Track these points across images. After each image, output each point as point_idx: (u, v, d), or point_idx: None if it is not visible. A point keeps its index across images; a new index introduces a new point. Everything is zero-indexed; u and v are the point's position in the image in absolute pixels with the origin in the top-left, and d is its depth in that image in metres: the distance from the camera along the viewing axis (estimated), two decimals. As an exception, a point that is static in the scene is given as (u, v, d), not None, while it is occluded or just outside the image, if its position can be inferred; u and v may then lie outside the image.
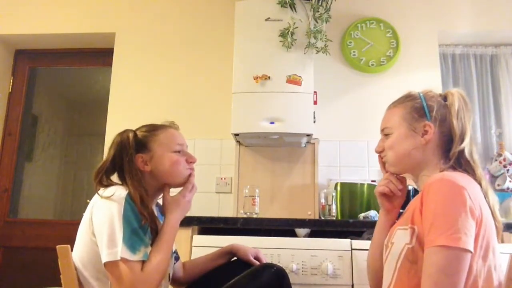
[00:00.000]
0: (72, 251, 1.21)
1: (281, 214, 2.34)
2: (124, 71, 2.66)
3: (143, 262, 1.12)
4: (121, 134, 1.30)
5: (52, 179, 3.08)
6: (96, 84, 3.19)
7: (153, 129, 1.35)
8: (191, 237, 1.78)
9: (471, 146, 1.05)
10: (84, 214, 1.24)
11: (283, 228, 1.83)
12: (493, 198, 1.02)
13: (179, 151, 1.33)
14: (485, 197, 0.99)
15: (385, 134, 1.15)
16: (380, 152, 1.16)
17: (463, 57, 2.72)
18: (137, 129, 1.36)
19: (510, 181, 2.33)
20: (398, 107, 1.14)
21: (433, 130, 1.06)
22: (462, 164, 1.04)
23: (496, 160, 2.44)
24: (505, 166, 2.39)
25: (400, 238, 0.98)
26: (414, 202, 1.01)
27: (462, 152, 1.04)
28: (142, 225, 1.16)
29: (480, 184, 1.01)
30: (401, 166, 1.12)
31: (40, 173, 3.00)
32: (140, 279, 1.10)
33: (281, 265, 1.64)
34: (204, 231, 1.84)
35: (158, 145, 1.30)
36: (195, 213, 2.40)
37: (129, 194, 1.18)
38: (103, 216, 1.15)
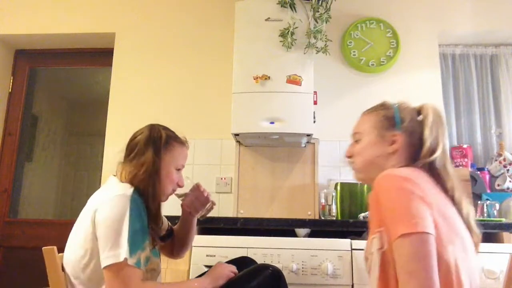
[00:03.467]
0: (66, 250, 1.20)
1: (281, 214, 2.34)
2: (124, 71, 2.66)
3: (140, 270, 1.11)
4: (151, 128, 1.31)
5: (52, 179, 3.08)
6: (96, 84, 3.19)
7: (174, 138, 1.35)
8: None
9: (444, 159, 1.06)
10: (82, 212, 1.22)
11: (283, 228, 1.83)
12: (468, 209, 1.02)
13: (178, 169, 1.35)
14: (460, 210, 1.00)
15: (355, 139, 1.17)
16: (349, 157, 1.18)
17: (463, 57, 2.72)
18: (163, 127, 1.36)
19: (510, 181, 2.33)
20: (371, 114, 1.16)
21: (401, 140, 1.08)
22: (432, 174, 1.05)
23: (496, 160, 2.44)
24: (505, 166, 2.39)
25: (374, 247, 0.99)
26: (371, 206, 1.02)
27: (432, 163, 1.05)
28: (145, 225, 1.15)
29: (452, 196, 1.02)
30: (365, 173, 1.14)
31: (40, 173, 3.00)
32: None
33: (281, 265, 1.65)
34: (204, 231, 1.84)
35: (170, 156, 1.31)
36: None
37: (135, 192, 1.17)
38: (110, 214, 1.12)
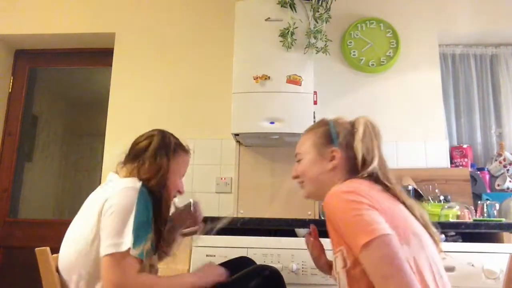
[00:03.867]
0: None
1: (281, 214, 2.34)
2: (124, 71, 2.66)
3: (141, 262, 1.12)
4: (162, 133, 1.35)
5: (52, 179, 3.08)
6: (96, 84, 3.19)
7: (181, 146, 1.39)
8: (191, 237, 1.78)
9: (383, 169, 1.09)
10: (84, 208, 1.22)
11: (283, 228, 1.83)
12: (420, 211, 1.04)
13: (180, 177, 1.38)
14: (413, 213, 1.02)
15: (297, 160, 1.21)
16: (295, 178, 1.21)
17: (463, 57, 2.72)
18: (172, 135, 1.40)
19: (510, 181, 2.33)
20: (310, 133, 1.20)
21: (340, 155, 1.11)
22: (379, 184, 1.07)
23: (496, 160, 2.44)
24: (505, 166, 2.39)
25: (338, 266, 0.99)
26: (328, 226, 1.03)
27: (374, 174, 1.07)
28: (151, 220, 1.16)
29: (404, 202, 1.03)
30: (312, 191, 1.18)
31: (40, 173, 3.00)
32: (132, 283, 1.08)
33: (281, 265, 1.65)
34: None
35: (176, 162, 1.34)
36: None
37: (143, 186, 1.19)
38: (118, 205, 1.13)
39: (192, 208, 1.43)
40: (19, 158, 2.83)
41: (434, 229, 1.03)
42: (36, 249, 1.16)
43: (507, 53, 2.68)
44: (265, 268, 1.38)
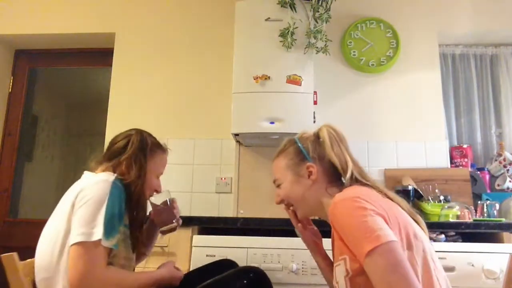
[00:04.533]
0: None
1: (281, 214, 2.33)
2: (124, 71, 2.66)
3: (111, 251, 1.12)
4: (140, 133, 1.35)
5: (52, 179, 3.08)
6: (96, 84, 3.19)
7: (158, 145, 1.39)
8: (191, 237, 1.78)
9: (357, 169, 1.10)
10: (57, 208, 1.23)
11: (283, 228, 1.83)
12: (404, 202, 1.05)
13: (157, 176, 1.39)
14: (388, 197, 1.03)
15: (277, 185, 1.21)
16: (280, 202, 1.21)
17: (463, 57, 2.72)
18: (148, 134, 1.39)
19: (510, 181, 2.33)
20: (280, 157, 1.21)
21: (316, 169, 1.12)
22: (358, 182, 1.08)
23: (496, 160, 2.44)
24: (505, 166, 2.39)
25: (340, 275, 0.99)
26: (333, 235, 1.04)
27: (353, 178, 1.08)
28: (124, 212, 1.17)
29: (378, 188, 1.05)
30: (305, 210, 1.19)
31: (40, 173, 3.00)
32: (99, 275, 1.07)
33: (281, 265, 1.65)
34: (204, 231, 1.84)
35: (153, 163, 1.35)
36: (195, 213, 2.41)
37: (117, 179, 1.19)
38: (89, 196, 1.13)
39: (169, 204, 1.40)
40: (19, 158, 2.83)
41: (418, 216, 1.05)
42: (1, 255, 1.13)
43: (507, 53, 2.68)
44: (249, 269, 1.38)
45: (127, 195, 1.21)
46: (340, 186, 1.09)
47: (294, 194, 1.16)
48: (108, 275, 1.10)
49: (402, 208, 1.02)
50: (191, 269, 1.69)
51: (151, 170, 1.33)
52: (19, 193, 2.83)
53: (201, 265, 1.55)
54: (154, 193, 1.38)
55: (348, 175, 1.08)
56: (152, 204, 1.40)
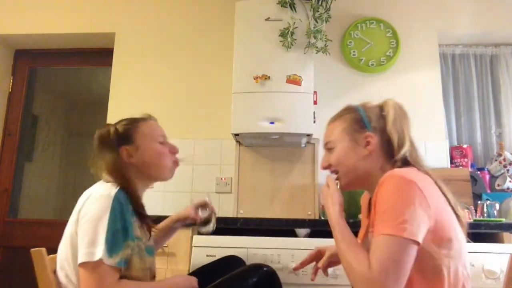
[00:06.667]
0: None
1: (281, 214, 2.34)
2: (124, 71, 2.67)
3: (120, 270, 1.09)
4: (100, 129, 1.31)
5: (52, 179, 3.08)
6: (96, 84, 3.19)
7: (133, 121, 1.33)
8: (191, 237, 1.78)
9: (412, 150, 1.08)
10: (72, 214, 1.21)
11: (283, 228, 1.83)
12: (452, 196, 1.03)
13: (162, 142, 1.33)
14: (448, 200, 1.01)
15: (328, 148, 1.16)
16: (327, 167, 1.17)
17: (463, 57, 2.72)
18: (116, 123, 1.35)
19: (510, 181, 2.33)
20: (339, 121, 1.16)
21: (375, 140, 1.09)
22: (410, 164, 1.06)
23: (496, 160, 2.44)
24: (505, 166, 2.39)
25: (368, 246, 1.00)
26: (375, 204, 1.01)
27: (405, 158, 1.06)
28: (129, 224, 1.14)
29: (439, 187, 1.02)
30: (350, 180, 1.13)
31: (40, 173, 3.00)
32: None
33: (281, 265, 1.65)
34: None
35: (142, 136, 1.29)
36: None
37: (120, 192, 1.15)
38: (91, 212, 1.11)
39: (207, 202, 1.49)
40: (19, 158, 2.83)
41: (461, 212, 1.02)
42: (31, 250, 1.15)
43: (507, 53, 2.68)
44: (261, 266, 1.38)
45: (128, 195, 1.18)
46: (393, 163, 1.06)
47: (346, 160, 1.11)
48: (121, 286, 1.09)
49: (449, 203, 1.00)
50: (191, 269, 1.70)
51: (147, 142, 1.28)
52: (19, 193, 2.83)
53: (206, 264, 1.56)
54: (172, 156, 1.34)
55: (402, 154, 1.05)
56: (203, 230, 1.49)
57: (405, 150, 1.06)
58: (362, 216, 1.27)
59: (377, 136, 1.09)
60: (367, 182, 1.10)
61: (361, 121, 1.12)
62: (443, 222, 0.94)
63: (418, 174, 0.99)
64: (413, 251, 0.88)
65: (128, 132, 1.29)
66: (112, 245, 1.08)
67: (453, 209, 1.00)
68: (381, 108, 1.14)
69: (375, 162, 1.08)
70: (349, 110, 1.16)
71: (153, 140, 1.31)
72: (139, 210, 1.20)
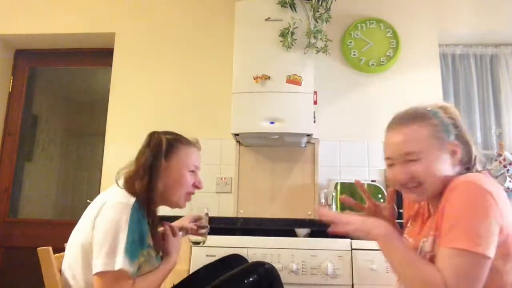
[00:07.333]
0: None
1: (281, 214, 2.34)
2: (124, 71, 2.66)
3: (134, 279, 1.10)
4: (152, 136, 1.27)
5: (52, 179, 3.08)
6: (96, 84, 3.19)
7: (179, 140, 1.32)
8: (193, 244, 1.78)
9: (479, 156, 1.04)
10: (84, 215, 1.20)
11: (283, 228, 1.83)
12: None
13: (192, 171, 1.31)
14: None
15: (411, 159, 1.00)
16: (407, 181, 1.01)
17: (463, 57, 2.72)
18: (165, 132, 1.32)
19: (510, 181, 2.33)
20: (419, 126, 1.01)
21: (460, 149, 1.00)
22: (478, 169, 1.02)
23: (496, 160, 2.44)
24: (505, 166, 2.39)
25: (425, 250, 0.98)
26: (440, 204, 0.96)
27: (474, 161, 1.02)
28: (146, 234, 1.14)
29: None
30: (433, 191, 1.00)
31: (40, 173, 3.00)
32: None
33: (281, 265, 1.65)
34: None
35: (177, 159, 1.27)
36: (195, 213, 2.41)
37: (137, 202, 1.14)
38: (110, 221, 1.10)
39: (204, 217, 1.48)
40: (19, 158, 2.83)
41: None
42: (38, 248, 1.16)
43: (507, 53, 2.68)
44: (260, 264, 1.38)
45: (144, 208, 1.17)
46: (466, 170, 1.01)
47: (437, 172, 0.98)
48: None
49: None
50: (191, 269, 1.70)
51: (178, 167, 1.26)
52: (19, 193, 2.83)
53: (208, 263, 1.57)
54: (195, 189, 1.31)
55: (474, 160, 1.01)
56: (195, 243, 1.49)
57: (476, 156, 1.02)
58: (407, 217, 1.20)
59: (460, 144, 1.01)
60: (441, 191, 0.99)
61: (445, 128, 1.01)
62: (509, 237, 0.90)
63: (492, 183, 0.94)
64: (486, 267, 0.85)
65: (167, 148, 1.27)
66: (131, 255, 1.08)
67: None
68: (448, 113, 1.05)
69: (454, 171, 1.01)
70: (424, 115, 1.04)
71: (185, 166, 1.29)
72: (152, 221, 1.20)
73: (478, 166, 1.03)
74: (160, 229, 1.38)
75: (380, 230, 0.99)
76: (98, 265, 1.07)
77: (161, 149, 1.24)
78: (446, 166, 0.99)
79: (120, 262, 1.05)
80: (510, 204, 0.93)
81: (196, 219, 1.50)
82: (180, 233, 1.43)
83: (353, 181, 2.22)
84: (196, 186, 1.32)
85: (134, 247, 1.10)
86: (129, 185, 1.20)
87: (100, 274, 1.06)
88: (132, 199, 1.14)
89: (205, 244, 1.73)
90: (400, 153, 1.01)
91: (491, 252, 0.85)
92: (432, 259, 0.93)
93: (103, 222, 1.11)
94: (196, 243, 1.49)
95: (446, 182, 0.97)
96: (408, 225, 1.17)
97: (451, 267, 0.86)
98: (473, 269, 0.85)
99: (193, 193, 1.32)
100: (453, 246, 0.86)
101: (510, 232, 0.90)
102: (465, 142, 1.02)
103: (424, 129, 1.00)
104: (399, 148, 1.02)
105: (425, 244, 0.98)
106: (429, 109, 1.05)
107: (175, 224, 1.51)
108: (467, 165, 1.02)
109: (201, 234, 1.47)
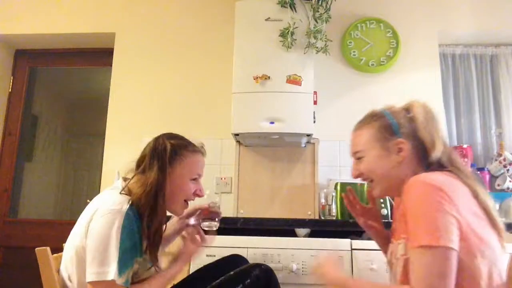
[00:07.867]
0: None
1: (281, 214, 2.34)
2: (124, 71, 2.66)
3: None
4: (157, 141, 1.25)
5: (52, 179, 3.08)
6: (96, 84, 3.19)
7: (184, 147, 1.30)
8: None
9: (447, 153, 1.05)
10: (80, 217, 1.18)
11: (283, 228, 1.83)
12: (486, 197, 0.99)
13: (194, 179, 1.29)
14: (476, 197, 0.97)
15: (358, 157, 1.13)
16: (358, 176, 1.14)
17: (463, 57, 2.72)
18: (170, 137, 1.30)
19: (510, 181, 2.33)
20: (366, 128, 1.12)
21: (407, 146, 1.05)
22: (445, 167, 1.03)
23: (496, 160, 2.44)
24: (505, 166, 2.39)
25: (399, 253, 0.99)
26: (402, 210, 0.99)
27: (439, 162, 1.04)
28: (138, 243, 1.12)
29: (476, 195, 0.98)
30: (385, 187, 1.11)
31: (40, 173, 3.00)
32: None
33: (281, 265, 1.65)
34: (204, 231, 1.84)
35: (181, 165, 1.26)
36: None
37: (131, 207, 1.12)
38: (101, 229, 1.08)
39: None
40: (19, 158, 2.83)
41: (496, 217, 0.97)
42: (36, 249, 1.16)
43: (507, 53, 2.68)
44: (256, 266, 1.38)
45: (141, 220, 1.14)
46: (427, 168, 1.04)
47: (379, 169, 1.08)
48: None
49: (487, 210, 0.96)
50: (191, 269, 1.70)
51: (181, 174, 1.24)
52: (19, 193, 2.83)
53: (208, 263, 1.56)
54: (195, 197, 1.30)
55: (435, 157, 1.02)
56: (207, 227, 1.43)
57: (438, 152, 1.03)
58: (393, 219, 1.24)
59: (409, 142, 1.06)
60: (400, 188, 1.04)
61: (390, 127, 1.08)
62: (474, 229, 0.90)
63: (444, 179, 0.95)
64: (453, 258, 0.86)
65: (171, 155, 1.24)
66: (123, 265, 1.07)
67: (489, 215, 0.96)
68: (407, 110, 1.11)
69: (408, 168, 1.05)
70: (376, 116, 1.12)
71: (188, 174, 1.27)
72: (153, 233, 1.16)
73: (448, 164, 1.03)
74: (183, 232, 1.41)
75: (336, 276, 1.09)
76: (91, 274, 1.06)
77: (166, 156, 1.22)
78: (391, 164, 1.06)
79: (113, 272, 1.04)
80: (469, 199, 0.95)
81: (209, 205, 1.48)
82: (192, 219, 1.42)
83: (353, 181, 2.23)
84: (197, 194, 1.30)
85: (127, 256, 1.08)
86: (129, 189, 1.19)
87: (93, 283, 1.06)
88: (126, 206, 1.12)
89: (206, 245, 1.74)
90: (351, 152, 1.16)
91: (454, 243, 0.86)
92: (406, 263, 0.94)
93: (94, 230, 1.09)
94: (209, 228, 1.45)
95: (402, 181, 1.01)
96: (394, 226, 1.19)
97: (421, 267, 0.87)
98: (441, 264, 0.85)
99: (192, 200, 1.31)
100: (417, 245, 0.88)
101: (471, 226, 0.90)
102: (420, 140, 1.05)
103: (369, 130, 1.11)
104: (351, 148, 1.16)
105: (399, 247, 1.00)
106: (383, 110, 1.13)
107: (188, 210, 1.44)
108: (429, 163, 1.04)
109: (213, 219, 1.44)
